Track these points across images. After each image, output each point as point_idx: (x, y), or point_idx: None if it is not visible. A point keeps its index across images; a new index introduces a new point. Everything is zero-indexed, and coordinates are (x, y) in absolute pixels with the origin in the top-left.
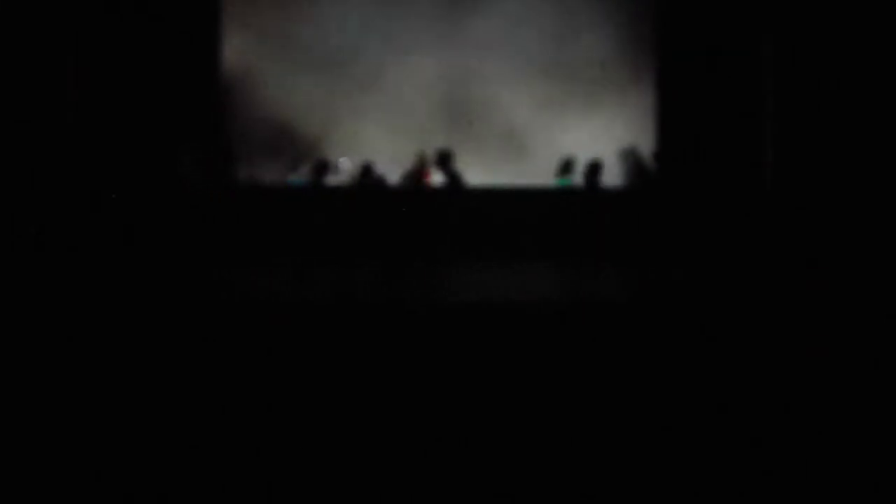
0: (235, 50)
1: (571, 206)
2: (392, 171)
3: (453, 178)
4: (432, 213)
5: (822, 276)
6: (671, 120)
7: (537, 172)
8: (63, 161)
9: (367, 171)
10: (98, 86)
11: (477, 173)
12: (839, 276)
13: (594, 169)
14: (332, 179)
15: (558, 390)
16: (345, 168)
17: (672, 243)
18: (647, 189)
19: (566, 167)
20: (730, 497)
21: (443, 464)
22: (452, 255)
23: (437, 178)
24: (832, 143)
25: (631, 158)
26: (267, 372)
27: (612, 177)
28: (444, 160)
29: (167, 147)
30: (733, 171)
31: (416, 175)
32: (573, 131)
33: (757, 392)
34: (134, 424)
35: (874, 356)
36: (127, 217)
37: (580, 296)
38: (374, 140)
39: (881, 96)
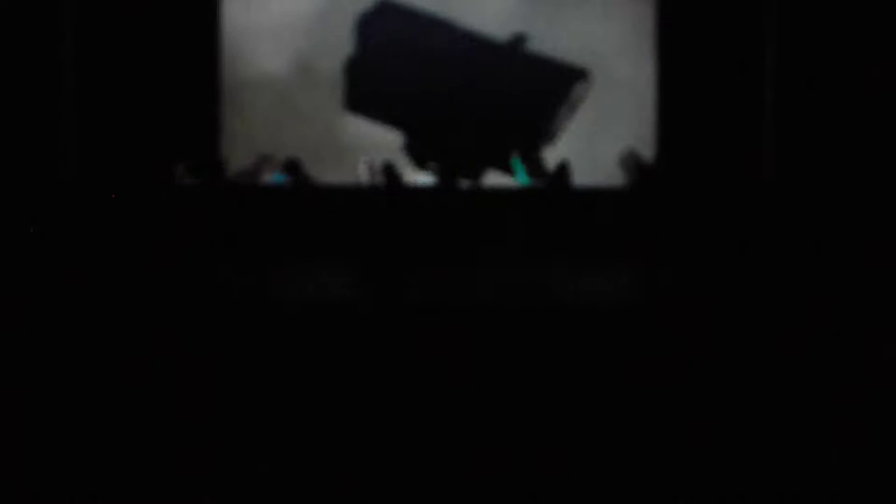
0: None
1: (567, 205)
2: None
3: (449, 179)
4: (418, 214)
5: (824, 274)
6: (671, 117)
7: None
8: (61, 162)
9: (388, 171)
10: (98, 90)
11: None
12: (841, 274)
13: (563, 170)
14: (357, 178)
15: (560, 391)
16: (364, 167)
17: (672, 241)
18: (647, 187)
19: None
20: (730, 498)
21: (434, 463)
22: (440, 256)
23: (423, 178)
24: (835, 140)
25: (632, 159)
26: (260, 370)
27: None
28: (442, 162)
29: (164, 150)
30: (734, 167)
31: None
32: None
33: (761, 388)
34: (129, 422)
35: (879, 352)
36: (123, 217)
37: (576, 296)
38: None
39: (885, 93)
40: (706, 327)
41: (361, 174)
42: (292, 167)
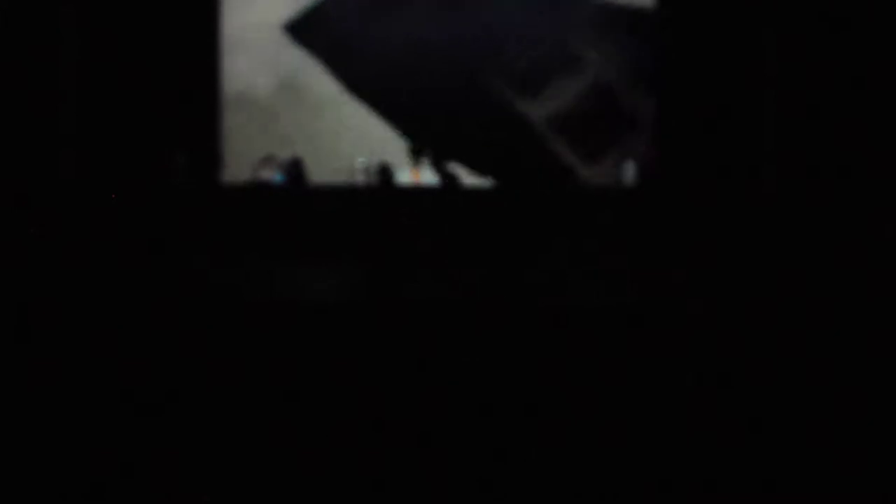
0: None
1: (567, 206)
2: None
3: (448, 179)
4: (426, 214)
5: (825, 278)
6: (671, 120)
7: None
8: (59, 159)
9: (384, 172)
10: (97, 89)
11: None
12: (842, 279)
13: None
14: (352, 178)
15: (558, 391)
16: (361, 167)
17: (671, 243)
18: (646, 189)
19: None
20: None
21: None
22: (438, 256)
23: (429, 177)
24: (837, 142)
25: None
26: (252, 369)
27: None
28: (438, 160)
29: (162, 149)
30: (733, 170)
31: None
32: None
33: (759, 392)
34: (129, 423)
35: (879, 359)
36: (123, 218)
37: (573, 296)
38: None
39: (885, 95)
40: (704, 329)
41: (357, 175)
42: (295, 167)
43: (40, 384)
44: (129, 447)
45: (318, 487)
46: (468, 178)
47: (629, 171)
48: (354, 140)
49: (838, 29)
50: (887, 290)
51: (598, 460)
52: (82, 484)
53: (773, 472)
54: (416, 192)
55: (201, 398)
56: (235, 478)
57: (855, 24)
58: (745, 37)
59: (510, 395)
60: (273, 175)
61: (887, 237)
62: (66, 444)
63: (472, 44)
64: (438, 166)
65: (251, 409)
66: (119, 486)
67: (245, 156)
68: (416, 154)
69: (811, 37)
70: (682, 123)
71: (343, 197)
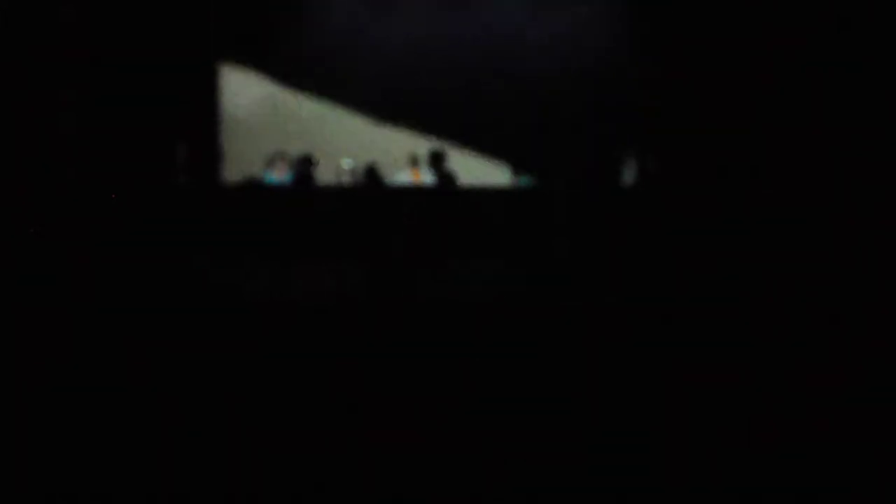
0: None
1: (566, 206)
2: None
3: (446, 178)
4: (426, 213)
5: (825, 278)
6: (671, 120)
7: None
8: (59, 158)
9: (371, 172)
10: (97, 89)
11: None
12: (841, 278)
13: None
14: (339, 179)
15: (558, 390)
16: (348, 168)
17: (670, 242)
18: (647, 188)
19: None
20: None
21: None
22: (441, 254)
23: (428, 177)
24: (837, 142)
25: (630, 161)
26: (252, 369)
27: None
28: (437, 160)
29: (163, 148)
30: (734, 171)
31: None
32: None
33: (759, 396)
34: (130, 423)
35: (878, 359)
36: (123, 217)
37: (573, 297)
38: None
39: (885, 95)
40: (703, 329)
41: (344, 176)
42: (304, 163)
43: (40, 384)
44: (130, 447)
45: (318, 487)
46: (466, 178)
47: (629, 171)
48: (352, 141)
49: (838, 29)
50: (887, 289)
51: (598, 460)
52: (82, 484)
53: (774, 471)
54: (415, 192)
55: (201, 398)
56: (235, 478)
57: (855, 24)
58: (744, 37)
59: (510, 394)
60: (284, 173)
61: (887, 237)
62: (65, 444)
63: (472, 44)
64: (436, 166)
65: (251, 409)
66: (119, 486)
67: (244, 156)
68: (437, 158)
69: (811, 37)
70: (682, 123)
71: (343, 197)
